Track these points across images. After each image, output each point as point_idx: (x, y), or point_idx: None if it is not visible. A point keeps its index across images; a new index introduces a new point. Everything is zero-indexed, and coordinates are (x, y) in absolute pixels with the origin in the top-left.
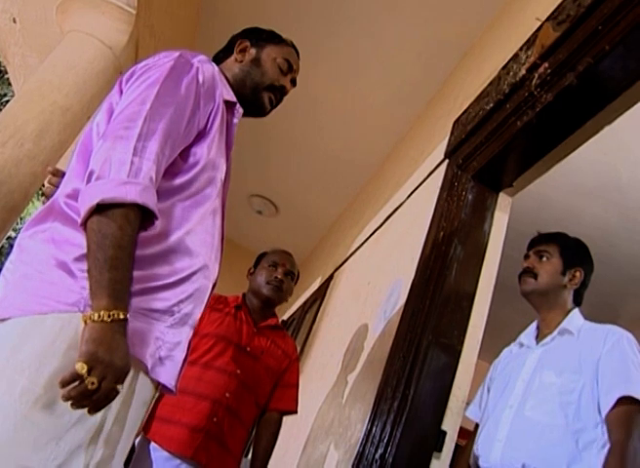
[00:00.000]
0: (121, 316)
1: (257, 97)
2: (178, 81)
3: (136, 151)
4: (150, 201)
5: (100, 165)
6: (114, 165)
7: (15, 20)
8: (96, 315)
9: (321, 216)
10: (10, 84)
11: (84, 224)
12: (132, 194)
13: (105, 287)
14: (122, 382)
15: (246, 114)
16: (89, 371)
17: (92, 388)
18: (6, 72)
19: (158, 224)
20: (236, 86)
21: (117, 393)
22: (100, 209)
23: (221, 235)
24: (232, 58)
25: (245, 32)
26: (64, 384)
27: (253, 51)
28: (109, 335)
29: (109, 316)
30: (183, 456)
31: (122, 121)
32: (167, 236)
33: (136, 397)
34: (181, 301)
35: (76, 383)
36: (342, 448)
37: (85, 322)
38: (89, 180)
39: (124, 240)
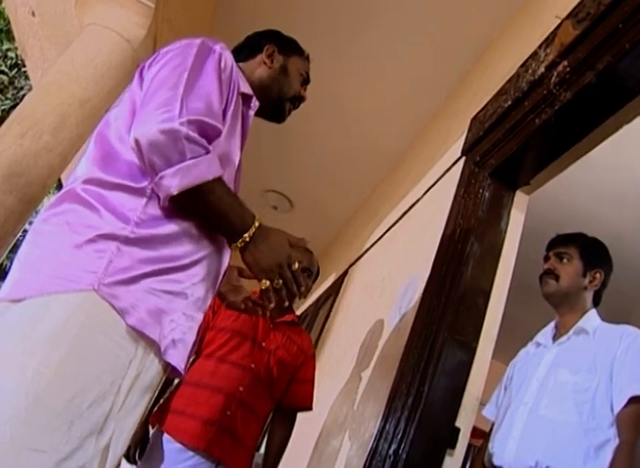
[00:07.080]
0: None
1: (281, 107)
2: (204, 66)
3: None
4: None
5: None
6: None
7: (34, 14)
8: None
9: (336, 212)
10: (28, 77)
11: None
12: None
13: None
14: (296, 260)
15: (262, 116)
16: (270, 280)
17: (280, 286)
18: (24, 65)
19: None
20: (261, 89)
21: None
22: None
23: None
24: (259, 59)
25: (269, 36)
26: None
27: (280, 58)
28: (258, 246)
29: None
30: (196, 449)
31: (158, 107)
32: (179, 219)
33: (142, 377)
34: (194, 284)
35: (270, 295)
36: (356, 443)
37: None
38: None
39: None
